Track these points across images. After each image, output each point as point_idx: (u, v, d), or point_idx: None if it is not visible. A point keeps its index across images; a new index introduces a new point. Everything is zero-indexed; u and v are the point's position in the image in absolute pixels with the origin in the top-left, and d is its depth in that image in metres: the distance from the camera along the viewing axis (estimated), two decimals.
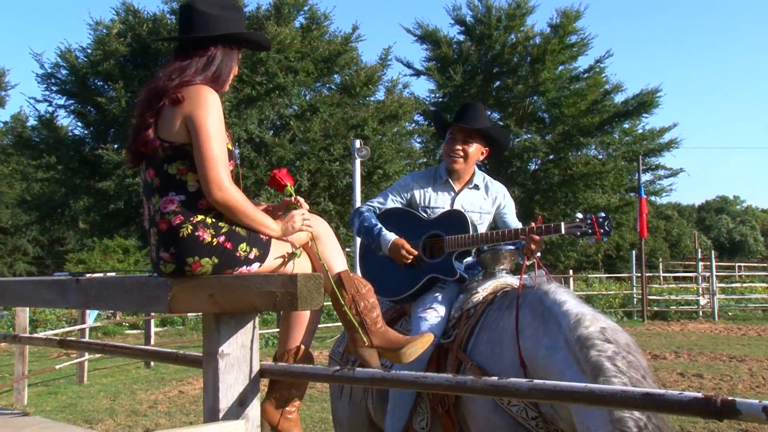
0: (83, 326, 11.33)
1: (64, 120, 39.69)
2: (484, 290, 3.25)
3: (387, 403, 3.25)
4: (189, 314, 17.24)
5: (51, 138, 21.91)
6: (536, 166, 27.88)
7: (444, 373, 2.97)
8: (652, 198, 29.09)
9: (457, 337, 3.06)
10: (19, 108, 61.65)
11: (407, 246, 3.34)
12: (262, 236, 2.37)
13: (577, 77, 27.50)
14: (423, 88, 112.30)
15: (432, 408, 3.03)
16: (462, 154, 3.45)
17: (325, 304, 2.39)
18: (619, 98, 27.40)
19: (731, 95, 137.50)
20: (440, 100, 28.11)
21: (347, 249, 16.53)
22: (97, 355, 11.11)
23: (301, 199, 2.55)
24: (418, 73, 28.49)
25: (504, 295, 3.13)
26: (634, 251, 20.77)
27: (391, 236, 3.38)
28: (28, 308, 9.94)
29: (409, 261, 3.35)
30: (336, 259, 2.54)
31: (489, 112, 25.55)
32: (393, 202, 3.55)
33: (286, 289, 2.17)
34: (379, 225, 3.44)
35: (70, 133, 23.18)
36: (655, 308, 19.05)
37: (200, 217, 2.30)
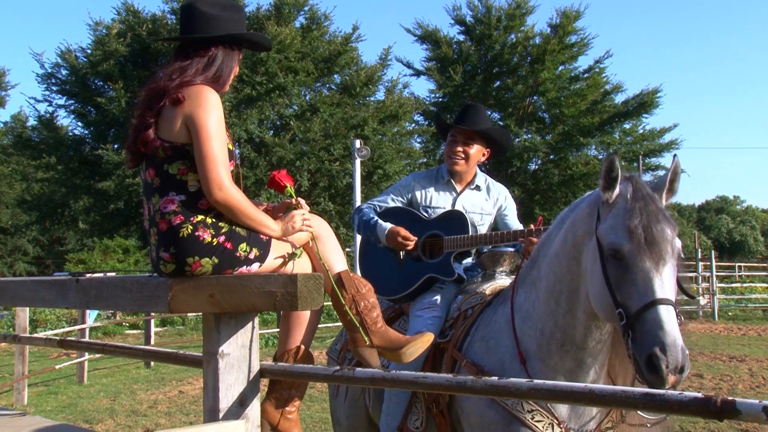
0: (83, 326, 11.33)
1: (64, 120, 39.77)
2: (482, 291, 3.25)
3: (383, 402, 3.25)
4: (189, 314, 17.24)
5: (51, 138, 21.88)
6: (536, 166, 27.86)
7: (439, 372, 2.98)
8: None
9: (453, 337, 3.06)
10: (19, 108, 61.80)
11: (403, 231, 3.33)
12: (262, 236, 2.37)
13: (577, 77, 27.49)
14: (423, 88, 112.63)
15: (426, 407, 3.03)
16: (463, 155, 3.45)
17: (325, 304, 2.39)
18: (619, 98, 27.43)
19: (731, 95, 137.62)
20: (440, 100, 28.10)
21: (347, 249, 16.53)
22: (97, 355, 11.12)
23: (302, 200, 2.55)
24: (418, 73, 28.49)
25: (499, 294, 3.14)
26: None
27: (386, 225, 3.37)
28: (28, 308, 9.95)
29: (409, 247, 3.34)
30: (336, 259, 2.54)
31: (489, 112, 25.43)
32: (394, 201, 3.55)
33: (286, 289, 2.17)
34: (376, 217, 3.44)
35: (70, 133, 23.14)
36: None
37: (200, 217, 2.30)
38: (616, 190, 2.46)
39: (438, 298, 3.31)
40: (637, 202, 2.39)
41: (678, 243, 2.36)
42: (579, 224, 2.59)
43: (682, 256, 2.41)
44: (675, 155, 2.62)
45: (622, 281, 2.31)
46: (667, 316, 2.18)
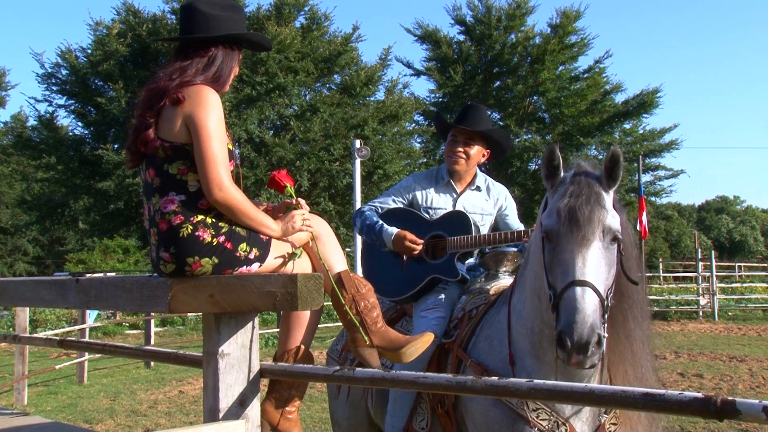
0: (83, 326, 11.33)
1: (64, 120, 39.78)
2: (486, 291, 3.25)
3: (387, 403, 3.25)
4: (189, 314, 17.24)
5: (51, 138, 21.86)
6: (536, 166, 27.83)
7: (444, 372, 2.97)
8: (652, 198, 29.07)
9: (459, 337, 3.06)
10: (19, 108, 61.86)
11: (410, 236, 3.33)
12: (262, 236, 2.37)
13: (577, 77, 27.49)
14: (423, 88, 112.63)
15: (432, 408, 3.03)
16: (463, 155, 3.44)
17: (325, 304, 2.39)
18: (619, 98, 27.43)
19: (731, 95, 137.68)
20: (440, 100, 28.10)
21: (347, 249, 16.53)
22: (97, 355, 11.12)
23: (302, 201, 2.55)
24: (418, 73, 28.49)
25: (502, 294, 3.14)
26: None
27: (393, 230, 3.37)
28: (28, 308, 9.95)
29: (417, 252, 3.34)
30: (336, 259, 2.54)
31: (489, 112, 25.45)
32: (395, 202, 3.55)
33: (286, 289, 2.17)
34: (380, 221, 3.44)
35: (70, 133, 23.13)
36: (656, 308, 19.03)
37: (200, 217, 2.30)
38: (560, 177, 2.53)
39: (442, 298, 3.31)
40: (571, 186, 2.43)
41: (613, 227, 2.37)
42: (539, 216, 2.64)
43: (620, 238, 2.41)
44: (612, 145, 2.64)
45: (552, 263, 2.37)
46: (581, 295, 2.20)
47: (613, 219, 2.39)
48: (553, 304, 2.31)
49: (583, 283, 2.23)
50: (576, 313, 2.18)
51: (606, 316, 2.29)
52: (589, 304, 2.20)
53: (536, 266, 2.62)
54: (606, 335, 2.25)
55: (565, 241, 2.33)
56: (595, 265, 2.29)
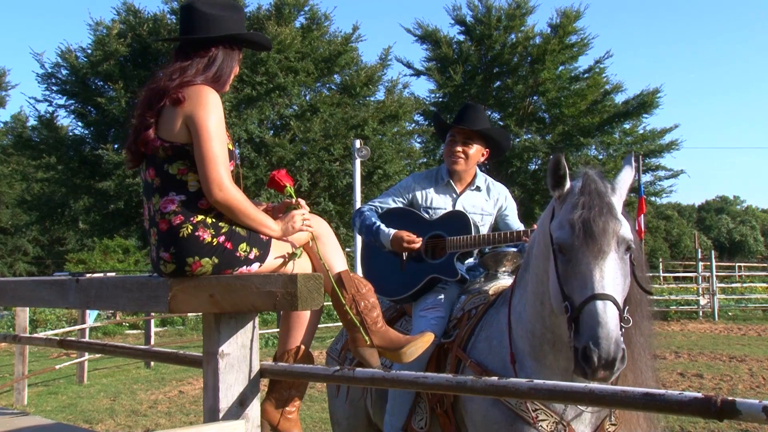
0: (83, 326, 11.34)
1: (64, 120, 39.77)
2: (485, 291, 3.25)
3: (386, 403, 3.25)
4: (189, 314, 17.24)
5: (51, 138, 21.86)
6: (536, 166, 27.83)
7: (443, 372, 2.97)
8: (652, 198, 29.07)
9: (458, 337, 3.06)
10: (19, 108, 61.92)
11: (407, 235, 3.33)
12: (262, 236, 2.37)
13: (577, 77, 27.49)
14: (423, 88, 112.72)
15: (430, 407, 3.03)
16: (462, 155, 3.45)
17: (325, 304, 2.39)
18: (619, 98, 27.44)
19: (731, 95, 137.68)
20: (440, 100, 28.10)
21: (347, 249, 16.53)
22: (97, 355, 11.12)
23: (302, 200, 2.55)
24: (418, 73, 28.48)
25: (502, 294, 3.14)
26: None
27: (390, 231, 3.38)
28: (28, 308, 9.95)
29: (416, 247, 3.34)
30: (336, 259, 2.54)
31: (489, 112, 25.56)
32: (395, 202, 3.55)
33: (286, 289, 2.17)
34: (378, 222, 3.44)
35: (70, 133, 23.13)
36: (655, 308, 18.96)
37: (200, 217, 2.30)
38: (567, 187, 2.52)
39: (441, 298, 3.31)
40: (582, 197, 2.42)
41: (627, 236, 2.37)
42: (545, 224, 2.62)
43: (633, 248, 2.41)
44: (635, 153, 2.62)
45: (568, 275, 2.35)
46: (603, 310, 2.20)
47: (626, 229, 2.39)
48: (570, 316, 2.29)
49: (604, 297, 2.22)
50: (600, 328, 2.17)
51: (623, 330, 2.28)
52: (611, 319, 2.19)
53: (540, 271, 2.61)
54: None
55: (581, 254, 2.32)
56: (612, 277, 2.29)
